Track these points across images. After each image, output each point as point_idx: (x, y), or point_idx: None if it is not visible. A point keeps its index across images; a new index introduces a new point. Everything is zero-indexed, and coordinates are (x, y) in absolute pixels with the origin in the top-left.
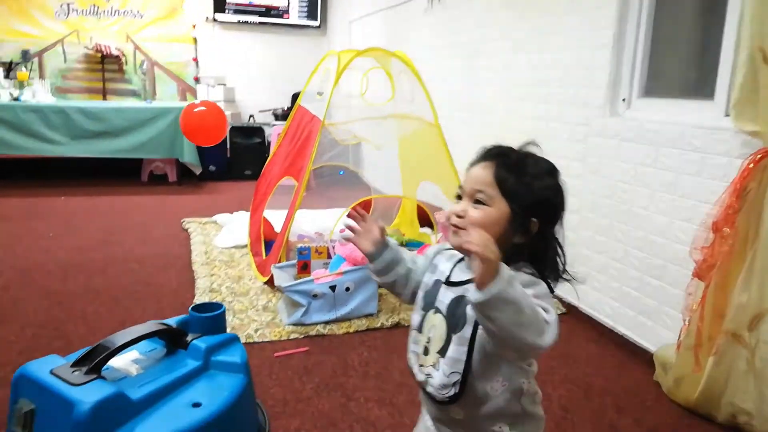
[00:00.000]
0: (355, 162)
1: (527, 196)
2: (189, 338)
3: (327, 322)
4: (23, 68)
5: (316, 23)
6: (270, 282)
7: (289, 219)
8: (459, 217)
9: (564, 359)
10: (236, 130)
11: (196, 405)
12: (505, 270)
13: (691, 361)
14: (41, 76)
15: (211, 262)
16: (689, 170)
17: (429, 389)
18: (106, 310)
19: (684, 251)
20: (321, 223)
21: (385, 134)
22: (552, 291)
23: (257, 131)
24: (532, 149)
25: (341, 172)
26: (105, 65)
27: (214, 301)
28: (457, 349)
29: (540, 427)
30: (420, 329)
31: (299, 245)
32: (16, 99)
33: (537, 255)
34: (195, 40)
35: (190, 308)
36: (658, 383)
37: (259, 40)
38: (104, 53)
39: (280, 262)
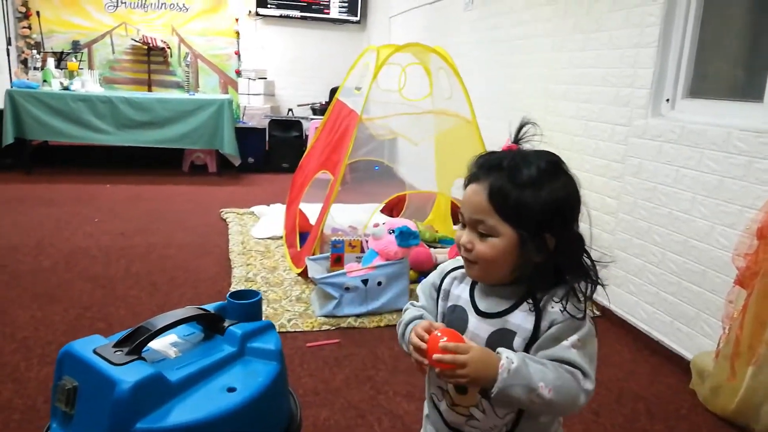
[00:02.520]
0: (390, 157)
1: (532, 214)
2: (226, 324)
3: (358, 315)
4: (73, 59)
5: (356, 18)
6: (304, 273)
7: (324, 212)
8: (468, 249)
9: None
10: (275, 123)
11: (231, 390)
12: (507, 364)
13: (728, 370)
14: (90, 67)
15: (248, 252)
16: (734, 174)
17: (469, 431)
18: (146, 295)
19: (725, 257)
20: (355, 217)
21: (422, 130)
22: (591, 298)
23: (295, 125)
24: (530, 133)
25: (376, 168)
26: (151, 57)
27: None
28: None
29: None
30: None
31: (333, 238)
32: (66, 88)
33: (565, 267)
34: (238, 33)
35: (227, 295)
36: (694, 391)
37: (300, 35)
38: (150, 45)
39: (314, 254)
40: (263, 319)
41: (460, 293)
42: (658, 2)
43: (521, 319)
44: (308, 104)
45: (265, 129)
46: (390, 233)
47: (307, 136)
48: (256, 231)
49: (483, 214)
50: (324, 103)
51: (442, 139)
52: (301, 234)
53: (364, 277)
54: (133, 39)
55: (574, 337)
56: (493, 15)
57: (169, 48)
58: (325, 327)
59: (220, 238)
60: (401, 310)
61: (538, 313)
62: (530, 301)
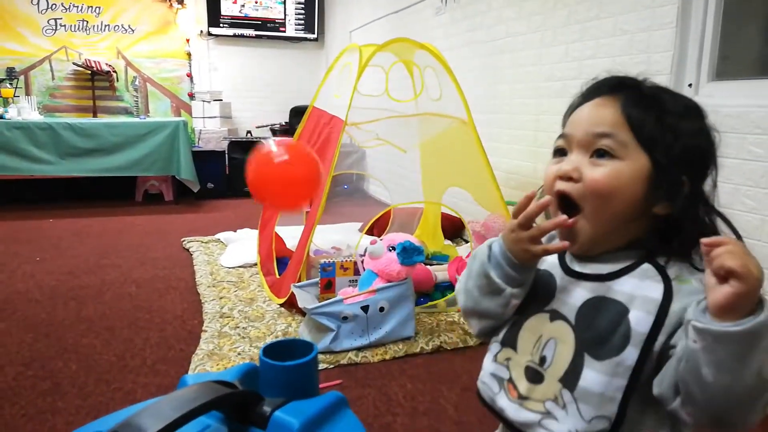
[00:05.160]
0: (371, 170)
1: (675, 143)
2: (266, 407)
3: (360, 349)
4: (8, 84)
5: (314, 36)
6: (286, 303)
7: (309, 232)
8: (570, 179)
9: None
10: (235, 145)
11: None
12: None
13: None
14: (27, 94)
15: (218, 283)
16: None
17: None
18: (102, 343)
19: None
20: (334, 238)
21: (410, 135)
22: None
23: (257, 145)
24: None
25: (346, 186)
26: (95, 82)
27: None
28: (605, 382)
29: None
30: (513, 344)
31: (322, 260)
32: (0, 117)
33: (694, 236)
34: (189, 54)
35: (260, 351)
36: None
37: (255, 54)
38: (94, 69)
39: (299, 280)
40: (244, 360)
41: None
42: None
43: (638, 287)
44: (267, 125)
45: (224, 152)
46: (390, 250)
47: None
48: (225, 260)
49: (611, 126)
50: (284, 123)
51: (429, 146)
52: (278, 259)
53: (363, 303)
54: (74, 63)
55: None
56: (469, 16)
57: (115, 72)
58: (322, 366)
59: (185, 271)
60: (408, 338)
61: (667, 281)
62: (650, 265)
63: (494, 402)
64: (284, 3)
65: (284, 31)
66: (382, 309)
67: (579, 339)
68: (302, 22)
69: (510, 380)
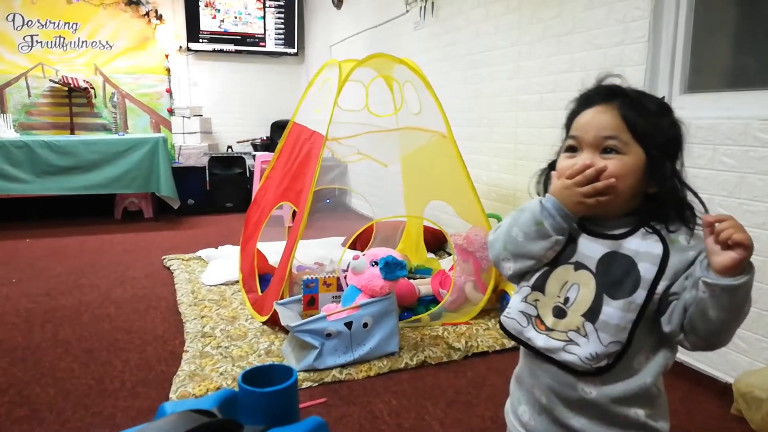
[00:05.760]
0: (353, 184)
1: (660, 137)
2: None
3: (344, 366)
4: None
5: (294, 50)
6: (269, 321)
7: (291, 248)
8: (588, 175)
9: None
10: (215, 161)
11: None
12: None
13: None
14: (2, 112)
15: (200, 302)
16: (758, 168)
17: (566, 357)
18: (80, 366)
19: (756, 263)
20: (317, 253)
21: (391, 150)
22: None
23: (238, 161)
24: (618, 81)
25: (328, 201)
26: (72, 99)
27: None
28: (620, 315)
29: (667, 412)
30: (542, 289)
31: (305, 277)
32: None
33: (675, 206)
34: (168, 70)
35: (239, 377)
36: (741, 418)
37: (236, 69)
38: (72, 86)
39: (282, 297)
40: (227, 385)
41: None
42: None
43: (640, 245)
44: (248, 140)
45: (204, 168)
46: (373, 265)
47: (252, 173)
48: (206, 277)
49: (615, 130)
50: (265, 138)
51: (410, 160)
52: (260, 276)
53: (347, 320)
54: (51, 80)
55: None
56: (447, 31)
57: (92, 88)
58: (306, 384)
59: (166, 290)
60: (392, 354)
61: (663, 240)
62: (648, 229)
63: (521, 333)
64: (264, 18)
65: (264, 46)
66: (365, 325)
67: (599, 283)
68: (282, 36)
69: (537, 317)
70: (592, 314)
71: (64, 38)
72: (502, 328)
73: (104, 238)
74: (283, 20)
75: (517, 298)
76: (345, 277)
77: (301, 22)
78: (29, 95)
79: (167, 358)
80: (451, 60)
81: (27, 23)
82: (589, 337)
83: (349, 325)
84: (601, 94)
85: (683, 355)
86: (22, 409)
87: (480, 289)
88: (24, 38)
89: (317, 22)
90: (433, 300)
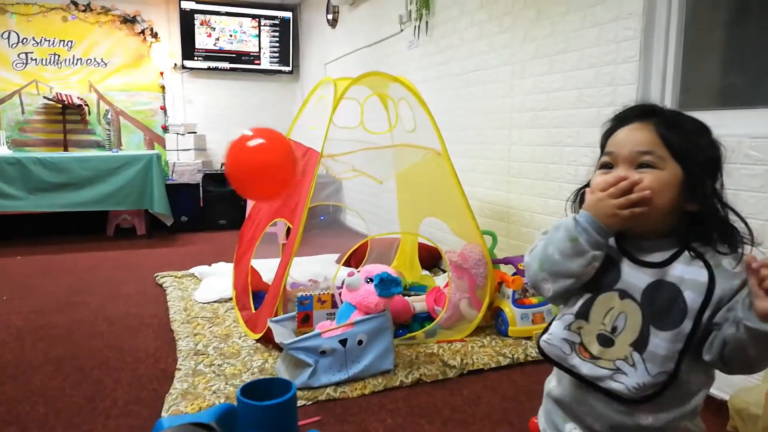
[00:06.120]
0: (348, 201)
1: (699, 155)
2: None
3: (338, 384)
4: None
5: (288, 68)
6: (262, 339)
7: (285, 264)
8: (624, 187)
9: None
10: (209, 178)
11: None
12: None
13: None
14: None
15: (193, 319)
16: (751, 186)
17: (613, 386)
18: (71, 385)
19: None
20: (311, 270)
21: (386, 166)
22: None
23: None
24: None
25: (322, 218)
26: (66, 116)
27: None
28: (668, 346)
29: None
30: (586, 316)
31: (299, 294)
32: None
33: (718, 226)
34: (163, 88)
35: (237, 392)
36: None
37: (230, 87)
38: (66, 103)
39: (276, 315)
40: (222, 400)
41: (609, 241)
42: (635, 15)
43: (685, 272)
44: None
45: (198, 184)
46: (368, 282)
47: None
48: (200, 295)
49: (651, 145)
50: None
51: (405, 176)
52: (254, 293)
53: (341, 337)
54: (45, 97)
55: None
56: (441, 50)
57: (86, 105)
58: (300, 402)
59: (158, 307)
60: (387, 372)
61: (709, 266)
62: (692, 253)
63: (565, 360)
64: (259, 36)
65: (259, 64)
66: (360, 342)
67: (645, 314)
68: (277, 55)
69: (581, 344)
70: (639, 344)
71: (59, 56)
72: (542, 353)
73: (97, 256)
74: (278, 39)
75: (560, 325)
76: (340, 294)
77: (296, 40)
78: (23, 112)
79: (159, 377)
80: (446, 78)
81: (22, 41)
82: (636, 367)
83: (343, 342)
84: (636, 113)
85: None
86: (11, 428)
87: (475, 306)
88: (18, 55)
89: (312, 40)
90: (428, 317)
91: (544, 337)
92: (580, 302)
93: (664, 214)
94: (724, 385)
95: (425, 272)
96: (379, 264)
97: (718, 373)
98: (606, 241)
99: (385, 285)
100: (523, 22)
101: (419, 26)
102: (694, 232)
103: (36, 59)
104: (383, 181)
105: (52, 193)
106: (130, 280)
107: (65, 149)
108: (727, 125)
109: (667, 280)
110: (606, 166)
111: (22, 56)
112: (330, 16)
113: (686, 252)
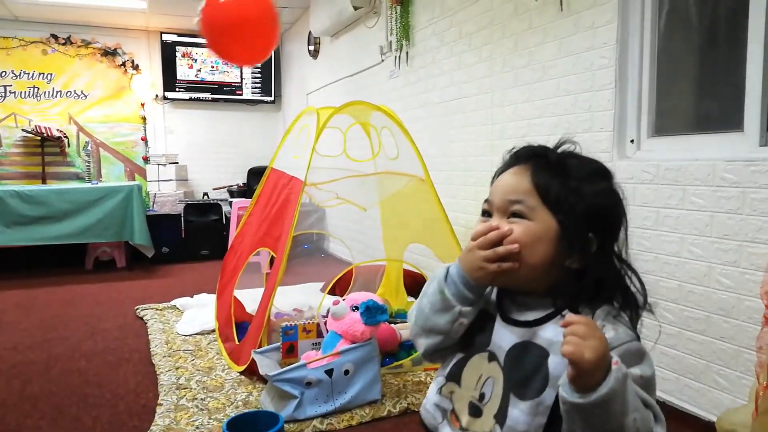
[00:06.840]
0: (331, 229)
1: (577, 204)
2: None
3: (324, 415)
4: None
5: (271, 98)
6: (246, 371)
7: (269, 294)
8: (491, 238)
9: None
10: (191, 208)
11: None
12: (616, 368)
13: None
14: None
15: (175, 353)
16: (727, 208)
17: None
18: (48, 423)
19: (730, 299)
20: (295, 300)
21: (370, 194)
22: (637, 323)
23: (214, 208)
24: (571, 149)
25: (306, 246)
26: (45, 148)
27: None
28: (527, 420)
29: None
30: (457, 379)
31: (283, 324)
32: None
33: (604, 285)
34: (144, 119)
35: (224, 424)
36: None
37: (212, 117)
38: (45, 135)
39: (260, 346)
40: None
41: (488, 296)
42: (609, 45)
43: (556, 334)
44: (224, 187)
45: (180, 215)
46: (354, 310)
47: (228, 219)
48: (181, 327)
49: (522, 194)
50: (242, 184)
51: (389, 203)
52: (237, 324)
53: (328, 367)
54: (24, 130)
55: (639, 369)
56: (422, 79)
57: (66, 137)
58: None
59: (139, 341)
60: (375, 401)
61: None
62: (571, 313)
63: (437, 430)
64: (240, 67)
65: (241, 94)
66: (347, 372)
67: (507, 380)
68: (259, 85)
69: (453, 412)
70: (500, 416)
71: (39, 88)
72: (421, 423)
73: (75, 289)
74: (259, 69)
75: (433, 388)
76: (325, 323)
77: (278, 70)
78: (0, 145)
79: (140, 413)
80: (427, 107)
81: (1, 74)
82: None
83: (329, 372)
84: (519, 156)
85: (665, 394)
86: None
87: None
88: None
89: (294, 70)
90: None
91: (423, 402)
92: (452, 363)
93: (538, 270)
94: (712, 407)
95: (411, 299)
96: (365, 292)
97: (705, 391)
98: (476, 297)
99: (371, 313)
100: (501, 52)
101: (399, 56)
102: (578, 292)
103: (15, 92)
104: (367, 209)
105: (30, 226)
106: (109, 314)
107: (43, 182)
108: (702, 149)
109: (535, 342)
110: (485, 214)
111: (0, 90)
112: (311, 47)
113: (564, 313)
